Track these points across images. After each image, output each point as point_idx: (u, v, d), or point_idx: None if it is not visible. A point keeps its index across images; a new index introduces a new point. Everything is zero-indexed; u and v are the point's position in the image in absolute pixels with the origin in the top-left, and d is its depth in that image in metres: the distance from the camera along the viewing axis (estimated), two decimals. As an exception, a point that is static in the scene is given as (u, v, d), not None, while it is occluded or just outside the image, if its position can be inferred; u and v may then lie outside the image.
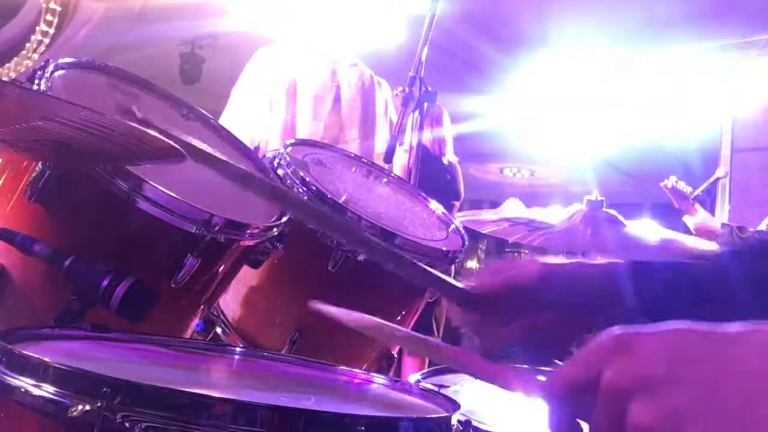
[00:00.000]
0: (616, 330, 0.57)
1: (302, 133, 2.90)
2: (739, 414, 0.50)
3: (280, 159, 1.70)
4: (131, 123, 0.99)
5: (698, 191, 4.83)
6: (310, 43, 3.10)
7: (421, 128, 2.71)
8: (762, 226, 4.33)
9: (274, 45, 3.09)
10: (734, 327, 0.54)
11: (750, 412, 0.49)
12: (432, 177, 4.19)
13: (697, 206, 4.57)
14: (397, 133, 2.58)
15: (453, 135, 4.48)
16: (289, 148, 1.78)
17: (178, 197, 1.26)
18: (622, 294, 0.89)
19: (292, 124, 2.93)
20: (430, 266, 1.72)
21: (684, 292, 0.89)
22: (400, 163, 2.85)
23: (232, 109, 2.94)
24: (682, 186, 4.56)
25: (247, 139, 2.78)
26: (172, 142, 1.03)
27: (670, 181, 4.60)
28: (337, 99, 3.02)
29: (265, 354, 1.29)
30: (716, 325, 0.54)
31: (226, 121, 2.85)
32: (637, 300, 0.88)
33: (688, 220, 4.40)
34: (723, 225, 4.38)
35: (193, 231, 1.27)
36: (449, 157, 4.39)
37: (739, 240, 3.72)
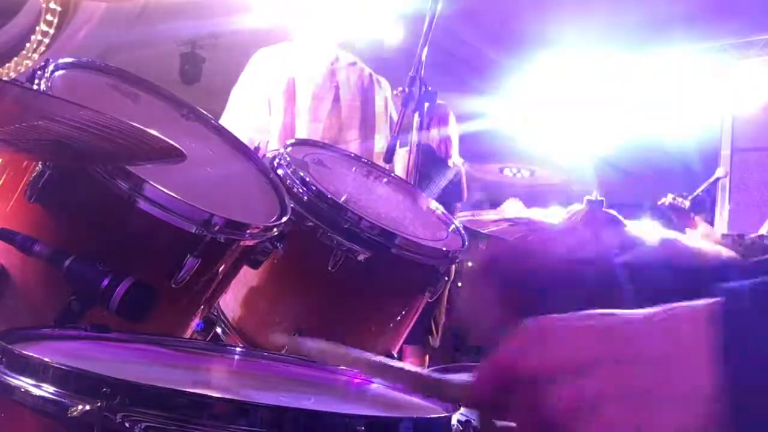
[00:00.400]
0: (531, 321, 0.60)
1: (301, 135, 2.90)
2: (652, 392, 0.53)
3: (280, 159, 1.70)
4: (131, 123, 0.99)
5: (698, 191, 4.83)
6: (309, 43, 3.10)
7: (421, 128, 2.71)
8: (763, 230, 4.33)
9: (273, 46, 3.09)
10: (641, 312, 0.57)
11: (661, 391, 0.53)
12: (436, 179, 4.21)
13: (697, 219, 4.59)
14: (397, 133, 2.58)
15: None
16: (289, 148, 1.78)
17: (178, 197, 1.26)
18: None
19: (291, 125, 2.93)
20: (430, 266, 1.74)
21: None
22: (402, 163, 2.85)
23: (231, 109, 2.95)
24: (679, 201, 4.58)
25: (246, 139, 2.78)
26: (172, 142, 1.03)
27: (667, 200, 4.61)
28: (336, 99, 3.02)
29: (265, 354, 1.29)
30: (626, 312, 0.58)
31: (225, 121, 2.85)
32: None
33: (689, 234, 4.41)
34: (723, 236, 4.40)
35: (193, 231, 1.27)
36: (455, 159, 4.39)
37: (741, 248, 3.73)
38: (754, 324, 0.53)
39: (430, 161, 4.24)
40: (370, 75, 3.14)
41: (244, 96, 2.95)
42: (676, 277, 0.93)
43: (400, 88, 2.73)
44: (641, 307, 0.81)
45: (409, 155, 2.76)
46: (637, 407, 0.54)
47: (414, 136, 2.70)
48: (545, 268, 0.92)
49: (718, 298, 0.55)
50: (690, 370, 0.53)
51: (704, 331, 0.54)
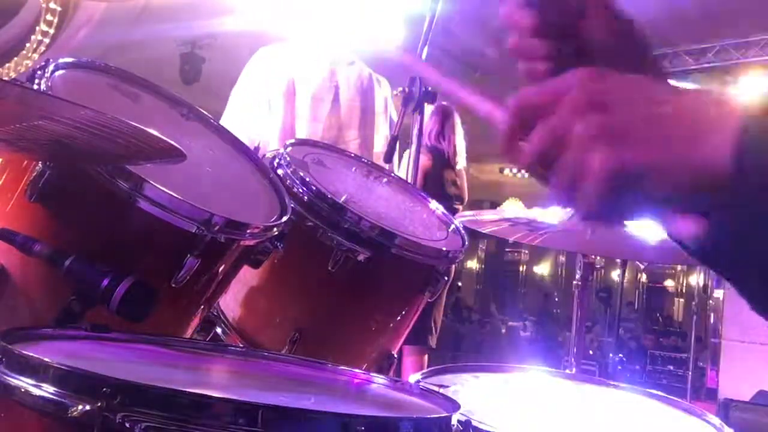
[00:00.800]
0: (579, 70, 0.65)
1: (301, 135, 2.90)
2: (667, 135, 0.59)
3: (280, 159, 1.70)
4: (131, 123, 0.99)
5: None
6: (308, 43, 3.10)
7: (421, 128, 2.71)
8: None
9: (273, 45, 3.09)
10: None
11: (685, 140, 0.59)
12: (441, 182, 4.22)
13: None
14: (396, 133, 2.58)
15: None
16: (289, 148, 1.78)
17: (178, 197, 1.26)
18: None
19: (291, 125, 2.92)
20: (430, 266, 1.74)
21: None
22: (421, 165, 2.84)
23: (231, 109, 2.94)
24: None
25: (246, 139, 2.78)
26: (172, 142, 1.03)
27: None
28: (335, 99, 3.01)
29: (265, 354, 1.29)
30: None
31: (225, 121, 2.85)
32: None
33: None
34: None
35: (193, 231, 1.27)
36: (461, 163, 4.40)
37: None
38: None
39: (440, 165, 4.26)
40: (370, 75, 3.14)
41: (243, 96, 2.95)
42: None
43: (400, 88, 2.73)
44: None
45: (409, 155, 2.76)
46: (659, 144, 0.59)
47: (415, 138, 2.70)
48: None
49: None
50: (710, 142, 0.58)
51: (735, 122, 0.58)
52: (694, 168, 0.58)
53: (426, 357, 4.11)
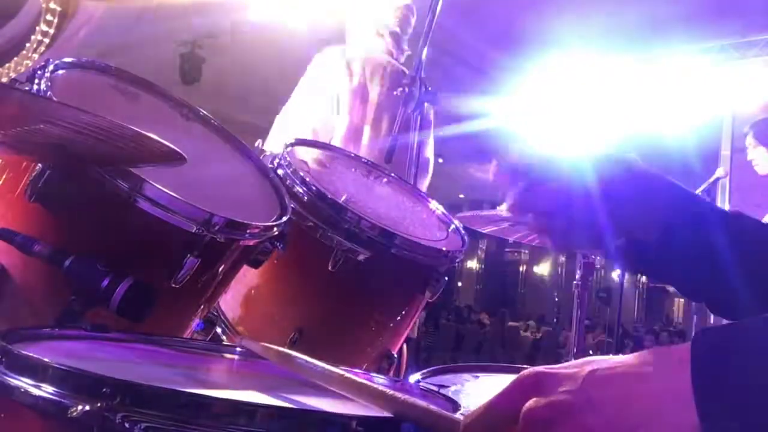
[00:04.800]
0: (531, 370, 0.66)
1: (365, 141, 2.90)
2: (643, 428, 0.58)
3: (281, 159, 1.70)
4: (131, 127, 0.99)
5: (698, 191, 4.83)
6: (368, 47, 3.09)
7: (422, 129, 2.70)
8: None
9: (338, 47, 3.09)
10: (635, 355, 0.63)
11: (651, 428, 0.58)
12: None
13: None
14: (396, 133, 2.58)
15: (454, 135, 4.46)
16: (289, 148, 1.78)
17: (178, 197, 1.26)
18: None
19: (359, 128, 2.93)
20: (430, 266, 1.74)
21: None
22: None
23: (295, 101, 2.94)
24: None
25: (309, 131, 2.80)
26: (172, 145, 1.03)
27: None
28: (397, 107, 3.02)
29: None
30: (620, 357, 0.64)
31: (287, 112, 2.88)
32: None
33: None
34: None
35: (193, 231, 1.27)
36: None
37: None
38: (724, 367, 0.59)
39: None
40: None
41: (310, 86, 2.94)
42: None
43: (401, 89, 2.72)
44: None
45: (409, 155, 2.76)
46: None
47: (414, 137, 2.70)
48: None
49: (692, 341, 0.61)
50: (672, 412, 0.58)
51: (681, 375, 0.59)
52: None
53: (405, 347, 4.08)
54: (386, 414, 0.79)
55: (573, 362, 0.66)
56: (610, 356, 0.65)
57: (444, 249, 1.78)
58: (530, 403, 0.63)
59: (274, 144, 2.63)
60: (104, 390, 0.73)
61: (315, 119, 2.87)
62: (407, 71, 3.14)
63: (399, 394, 0.79)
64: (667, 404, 0.58)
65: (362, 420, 0.77)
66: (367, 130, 2.95)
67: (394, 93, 3.11)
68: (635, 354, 0.64)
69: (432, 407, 0.76)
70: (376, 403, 0.81)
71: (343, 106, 2.92)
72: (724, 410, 0.57)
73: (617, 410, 0.60)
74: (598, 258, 2.83)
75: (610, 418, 0.59)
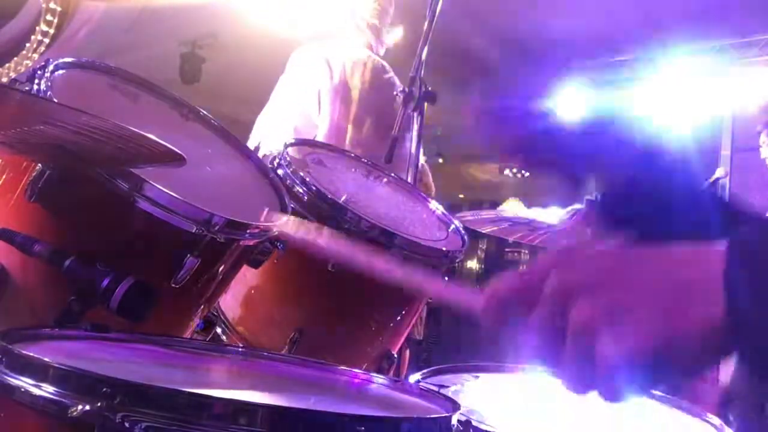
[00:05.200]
0: (558, 247, 0.67)
1: (348, 140, 2.89)
2: (664, 308, 0.59)
3: (280, 159, 1.70)
4: (132, 128, 0.99)
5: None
6: (350, 42, 3.08)
7: (421, 128, 2.70)
8: None
9: (316, 42, 3.07)
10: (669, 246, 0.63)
11: (672, 307, 0.59)
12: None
13: None
14: (396, 133, 2.57)
15: (454, 135, 4.47)
16: (289, 148, 1.78)
17: (178, 197, 1.26)
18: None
19: (342, 127, 2.92)
20: (430, 266, 1.74)
21: None
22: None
23: (277, 98, 2.92)
24: None
25: (290, 128, 2.78)
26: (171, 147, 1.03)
27: None
28: (379, 104, 3.01)
29: (265, 354, 1.29)
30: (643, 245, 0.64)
31: (269, 109, 2.86)
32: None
33: None
34: None
35: (193, 231, 1.27)
36: (421, 158, 4.39)
37: None
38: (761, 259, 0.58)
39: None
40: (391, 78, 3.14)
41: (291, 85, 2.93)
42: None
43: (401, 88, 2.72)
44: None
45: (409, 155, 2.76)
46: (651, 321, 0.58)
47: (414, 137, 2.70)
48: None
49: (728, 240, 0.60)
50: (702, 299, 0.58)
51: (718, 265, 0.58)
52: (699, 332, 0.58)
53: (408, 351, 4.09)
54: (386, 414, 0.79)
55: (605, 244, 0.65)
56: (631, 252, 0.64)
57: (444, 249, 1.78)
58: (554, 277, 0.62)
59: (252, 144, 2.63)
60: (104, 390, 0.73)
61: (297, 118, 2.85)
62: (387, 65, 3.15)
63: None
64: (697, 292, 0.58)
65: (362, 420, 0.77)
66: (349, 129, 2.94)
67: (394, 94, 3.11)
68: (667, 246, 0.63)
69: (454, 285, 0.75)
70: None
71: (325, 105, 2.90)
72: (753, 307, 0.57)
73: (638, 291, 0.60)
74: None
75: (632, 295, 0.59)
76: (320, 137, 2.86)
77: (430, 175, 4.45)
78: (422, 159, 4.36)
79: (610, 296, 0.60)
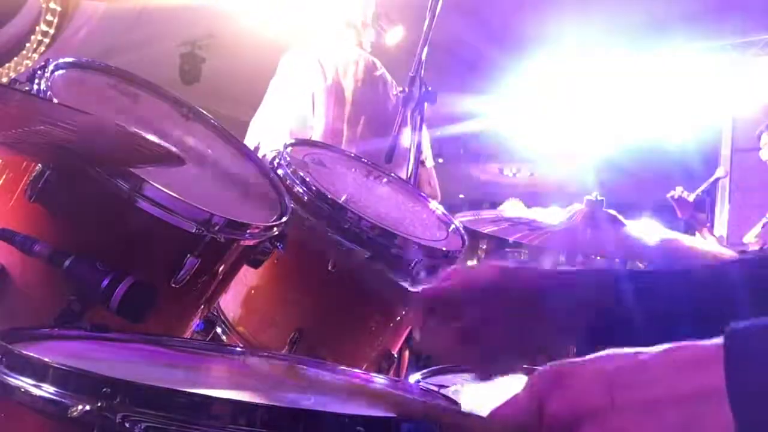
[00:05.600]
0: (551, 365, 0.62)
1: (343, 140, 2.89)
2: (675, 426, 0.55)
3: (280, 159, 1.70)
4: (132, 128, 0.99)
5: (698, 191, 4.84)
6: (340, 44, 3.07)
7: (420, 129, 2.70)
8: (756, 230, 4.35)
9: (306, 46, 3.07)
10: (659, 353, 0.59)
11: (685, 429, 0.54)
12: (417, 183, 4.19)
13: (706, 232, 4.60)
14: (396, 133, 2.57)
15: (453, 135, 4.46)
16: (289, 148, 1.78)
17: (178, 197, 1.26)
18: (618, 300, 0.88)
19: (338, 129, 2.91)
20: (430, 266, 1.74)
21: (686, 300, 0.88)
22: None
23: (270, 101, 2.91)
24: (685, 194, 4.60)
25: (285, 131, 2.78)
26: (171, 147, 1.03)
27: (676, 193, 4.62)
28: (373, 103, 3.00)
29: (265, 354, 1.29)
30: (642, 350, 0.60)
31: (262, 113, 2.86)
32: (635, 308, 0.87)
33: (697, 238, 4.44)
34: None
35: (193, 231, 1.27)
36: (430, 162, 4.39)
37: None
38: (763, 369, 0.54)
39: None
40: (383, 75, 3.14)
41: (284, 88, 2.92)
42: (677, 279, 0.93)
43: (400, 88, 2.72)
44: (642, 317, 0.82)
45: (409, 155, 2.75)
46: None
47: (414, 137, 2.69)
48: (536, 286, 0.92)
49: (724, 338, 0.56)
50: (706, 417, 0.54)
51: (713, 378, 0.55)
52: None
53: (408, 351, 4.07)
54: (386, 414, 0.79)
55: (594, 356, 0.62)
56: (632, 350, 0.61)
57: (444, 249, 1.77)
58: (554, 402, 0.60)
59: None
60: (104, 390, 0.73)
61: (292, 121, 2.85)
62: (377, 61, 3.14)
63: (418, 398, 0.78)
64: (700, 409, 0.55)
65: (362, 420, 0.77)
66: (345, 129, 2.94)
67: (394, 94, 3.11)
68: (659, 350, 0.59)
69: (456, 408, 0.74)
70: (393, 409, 0.79)
71: (319, 107, 2.89)
72: (763, 414, 0.54)
73: (645, 414, 0.56)
74: (598, 258, 2.83)
75: (638, 422, 0.56)
76: (316, 138, 2.86)
77: (435, 178, 4.45)
78: (430, 162, 4.37)
79: (615, 423, 0.57)
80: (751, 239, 4.42)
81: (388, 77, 3.12)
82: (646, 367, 0.59)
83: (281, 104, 2.89)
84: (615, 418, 0.57)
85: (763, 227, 4.49)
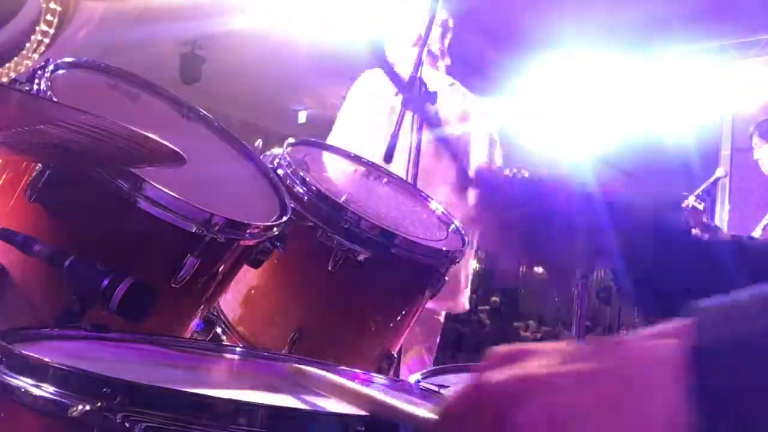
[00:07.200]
0: (496, 348, 0.63)
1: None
2: (622, 412, 0.54)
3: (280, 159, 1.70)
4: (132, 128, 0.99)
5: (698, 191, 4.84)
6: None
7: (420, 129, 2.70)
8: (758, 231, 4.34)
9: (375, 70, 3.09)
10: (610, 350, 0.58)
11: (631, 413, 0.54)
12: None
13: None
14: (396, 133, 2.57)
15: (453, 135, 4.45)
16: (290, 148, 1.78)
17: (179, 197, 1.26)
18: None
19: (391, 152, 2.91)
20: (430, 266, 1.74)
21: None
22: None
23: (350, 119, 2.94)
24: (696, 203, 4.61)
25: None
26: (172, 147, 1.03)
27: (689, 202, 4.62)
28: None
29: (265, 354, 1.29)
30: (595, 351, 0.58)
31: (342, 130, 2.88)
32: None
33: None
34: None
35: (193, 231, 1.27)
36: None
37: None
38: (726, 362, 0.53)
39: None
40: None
41: (364, 107, 2.96)
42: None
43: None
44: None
45: (409, 155, 2.75)
46: (605, 427, 0.54)
47: (413, 137, 2.69)
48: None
49: (691, 322, 0.56)
50: (664, 417, 0.53)
51: (668, 378, 0.54)
52: None
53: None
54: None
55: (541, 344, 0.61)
56: (582, 346, 0.59)
57: (444, 249, 1.77)
58: (494, 383, 0.58)
59: None
60: (104, 390, 0.73)
61: (378, 135, 2.85)
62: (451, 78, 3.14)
63: (377, 394, 0.78)
64: (657, 409, 0.54)
65: (363, 420, 0.77)
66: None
67: (395, 95, 3.10)
68: (608, 348, 0.58)
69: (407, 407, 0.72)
70: (354, 402, 0.79)
71: (379, 126, 2.91)
72: (725, 417, 0.53)
73: (600, 419, 0.55)
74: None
75: (597, 426, 0.55)
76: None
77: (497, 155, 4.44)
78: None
79: (554, 400, 0.55)
80: None
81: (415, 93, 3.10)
82: (599, 369, 0.57)
83: (363, 121, 2.93)
84: (555, 395, 0.56)
85: (763, 229, 4.49)
